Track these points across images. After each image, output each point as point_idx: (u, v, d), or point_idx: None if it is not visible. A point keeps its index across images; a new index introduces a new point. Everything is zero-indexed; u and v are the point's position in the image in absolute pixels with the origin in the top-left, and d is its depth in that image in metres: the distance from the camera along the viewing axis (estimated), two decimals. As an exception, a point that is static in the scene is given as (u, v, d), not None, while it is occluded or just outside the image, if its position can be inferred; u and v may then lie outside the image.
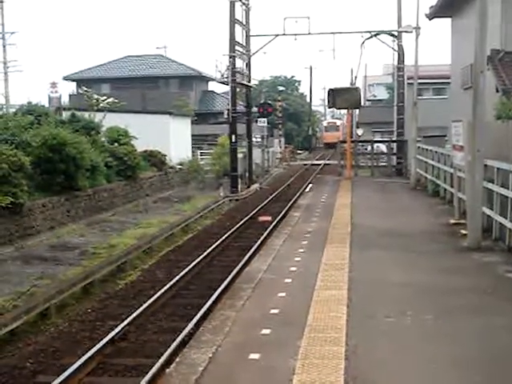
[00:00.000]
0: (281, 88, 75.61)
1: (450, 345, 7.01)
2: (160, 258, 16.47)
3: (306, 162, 51.46)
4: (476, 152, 11.99)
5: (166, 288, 12.41)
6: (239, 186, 30.70)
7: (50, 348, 9.71)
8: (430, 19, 26.70)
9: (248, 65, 33.25)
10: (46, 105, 40.04)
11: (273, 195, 28.17)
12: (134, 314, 10.64)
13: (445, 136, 24.59)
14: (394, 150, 32.35)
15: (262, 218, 21.61)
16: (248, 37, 32.61)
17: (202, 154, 41.93)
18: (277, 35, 31.13)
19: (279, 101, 56.63)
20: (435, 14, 25.95)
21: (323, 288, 9.25)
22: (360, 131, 50.23)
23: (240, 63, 31.93)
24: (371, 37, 30.68)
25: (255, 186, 32.87)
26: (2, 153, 18.22)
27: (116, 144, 27.90)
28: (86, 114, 28.26)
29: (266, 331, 7.46)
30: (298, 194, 26.08)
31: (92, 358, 8.85)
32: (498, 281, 9.78)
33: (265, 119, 41.24)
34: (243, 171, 33.04)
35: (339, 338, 7.11)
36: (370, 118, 54.27)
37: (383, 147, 36.51)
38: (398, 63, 32.00)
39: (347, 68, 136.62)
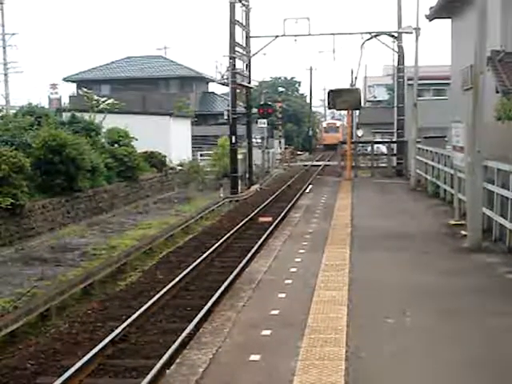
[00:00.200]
0: (281, 89, 75.73)
1: (451, 346, 7.01)
2: (160, 259, 16.46)
3: (306, 163, 51.48)
4: (476, 153, 11.99)
5: (166, 289, 12.40)
6: (239, 187, 30.69)
7: (51, 349, 9.71)
8: (429, 20, 26.74)
9: (248, 66, 33.26)
10: (46, 106, 40.16)
11: (273, 196, 28.16)
12: (135, 315, 10.64)
13: (445, 137, 24.58)
14: (394, 151, 32.36)
15: (262, 219, 21.61)
16: (248, 38, 32.62)
17: (202, 155, 41.95)
18: (277, 36, 31.13)
19: (279, 102, 56.68)
20: (435, 15, 25.98)
21: (323, 289, 9.25)
22: (360, 132, 50.21)
23: (240, 64, 31.96)
24: (371, 38, 30.70)
25: (255, 187, 32.86)
26: (3, 154, 18.23)
27: (116, 145, 27.92)
28: (86, 116, 28.28)
29: (267, 332, 7.46)
30: (298, 195, 26.07)
31: (92, 360, 8.85)
32: (499, 282, 9.78)
33: (265, 120, 41.23)
34: (243, 172, 33.04)
35: (340, 338, 7.11)
36: (370, 118, 54.28)
37: (383, 148, 36.53)
38: (398, 64, 32.01)
39: (347, 69, 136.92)
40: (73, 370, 8.31)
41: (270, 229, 18.49)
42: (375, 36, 30.86)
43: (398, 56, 31.74)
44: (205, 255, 15.52)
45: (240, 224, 20.32)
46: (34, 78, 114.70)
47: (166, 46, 69.57)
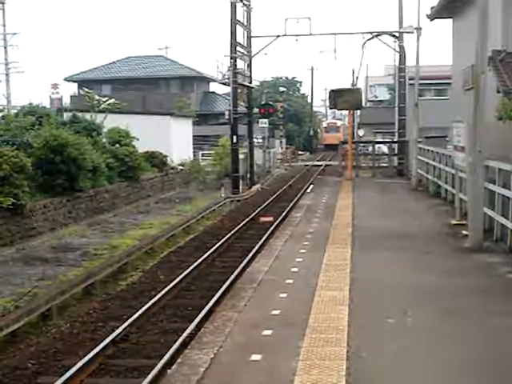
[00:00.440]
0: (282, 89, 75.69)
1: (452, 346, 7.01)
2: (161, 259, 16.46)
3: (307, 163, 51.48)
4: (477, 153, 11.99)
5: (167, 289, 12.40)
6: (240, 187, 30.70)
7: (52, 349, 9.71)
8: (431, 20, 26.71)
9: (249, 66, 33.28)
10: (48, 106, 40.17)
11: (274, 196, 28.15)
12: (136, 315, 10.64)
13: (446, 137, 24.59)
14: (396, 151, 32.35)
15: (263, 219, 21.62)
16: (249, 38, 32.62)
17: (203, 154, 41.97)
18: (278, 36, 31.13)
19: (280, 102, 56.67)
20: (436, 14, 25.95)
21: (325, 289, 9.25)
22: (361, 132, 50.23)
23: (241, 64, 31.98)
24: (372, 37, 30.70)
25: (256, 187, 32.87)
26: (4, 154, 18.25)
27: (117, 145, 27.92)
28: (88, 115, 28.30)
29: (268, 332, 7.46)
30: (299, 195, 26.06)
31: (93, 359, 8.85)
32: (500, 282, 9.77)
33: (266, 120, 41.23)
34: (244, 172, 33.05)
35: (341, 338, 7.11)
36: (372, 118, 54.30)
37: (384, 148, 36.55)
38: (400, 64, 32.01)
39: (348, 69, 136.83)
40: (74, 369, 8.31)
41: (271, 228, 18.49)
42: (376, 36, 30.86)
43: (400, 56, 31.75)
44: (206, 255, 15.52)
45: (241, 224, 20.32)
46: (35, 78, 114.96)
47: (167, 45, 69.55)
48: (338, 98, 28.44)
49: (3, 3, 42.69)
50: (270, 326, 7.67)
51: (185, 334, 9.41)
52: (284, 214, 21.19)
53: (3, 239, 17.18)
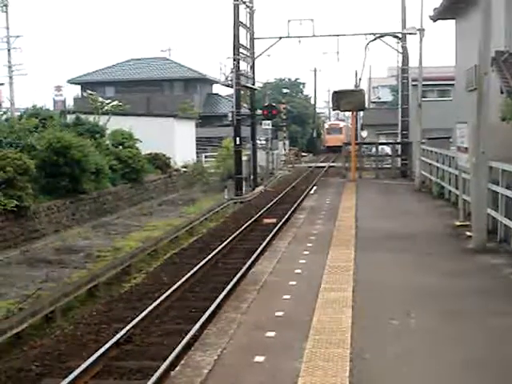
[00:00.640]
0: (285, 90, 75.68)
1: (454, 348, 7.00)
2: (165, 261, 16.48)
3: (310, 165, 51.47)
4: (480, 154, 11.98)
5: (170, 291, 12.41)
6: (244, 189, 30.68)
7: (56, 351, 9.73)
8: (433, 21, 26.68)
9: (252, 67, 33.28)
10: (51, 108, 40.20)
11: (277, 197, 28.15)
12: (139, 317, 10.65)
13: (449, 138, 24.57)
14: (399, 152, 32.34)
15: (266, 221, 21.62)
16: (252, 39, 32.64)
17: (206, 156, 42.00)
18: (281, 37, 31.17)
19: (283, 103, 56.65)
20: (439, 15, 25.92)
21: (328, 290, 9.25)
22: (364, 133, 50.22)
23: (244, 66, 31.97)
24: (375, 39, 30.72)
25: (260, 189, 32.87)
26: (8, 156, 18.30)
27: (120, 147, 27.96)
28: (91, 118, 28.32)
29: (271, 333, 7.46)
30: (302, 196, 26.06)
31: (97, 361, 8.86)
32: (504, 283, 9.76)
33: (269, 122, 41.27)
34: (248, 174, 33.04)
35: (344, 340, 7.11)
36: (375, 120, 54.23)
37: (388, 149, 36.51)
38: (403, 65, 32.01)
39: (351, 70, 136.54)
40: (78, 371, 8.32)
41: (275, 230, 18.49)
42: (379, 37, 30.88)
43: (403, 57, 31.74)
44: (209, 257, 15.53)
45: (244, 225, 20.32)
46: (38, 81, 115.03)
47: (170, 47, 69.96)
48: (341, 99, 28.44)
49: (6, 6, 42.75)
50: (273, 327, 7.67)
51: (188, 336, 9.42)
52: (287, 215, 21.18)
53: (7, 241, 17.21)
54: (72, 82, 57.54)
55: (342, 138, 61.93)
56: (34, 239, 18.43)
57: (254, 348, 7.01)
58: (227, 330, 7.65)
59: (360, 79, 36.20)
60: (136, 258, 15.83)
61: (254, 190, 32.20)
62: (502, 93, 17.12)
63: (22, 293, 13.06)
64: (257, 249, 16.05)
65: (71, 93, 64.03)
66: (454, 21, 26.34)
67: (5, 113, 30.22)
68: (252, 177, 33.52)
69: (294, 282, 9.88)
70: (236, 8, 30.13)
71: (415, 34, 25.49)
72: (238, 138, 30.27)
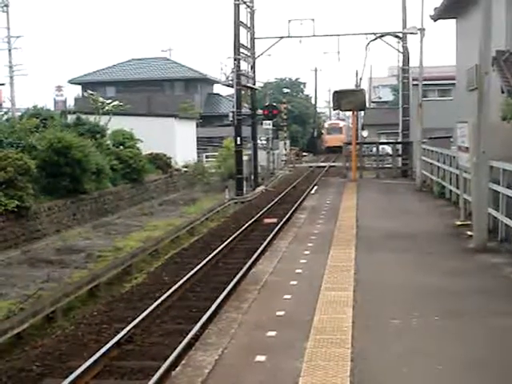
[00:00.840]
0: (286, 90, 75.63)
1: (456, 347, 7.00)
2: (166, 261, 16.49)
3: (311, 164, 51.48)
4: (481, 153, 11.97)
5: (171, 290, 12.42)
6: (244, 189, 30.71)
7: (57, 351, 9.74)
8: (434, 21, 26.67)
9: (253, 67, 33.30)
10: (52, 108, 40.23)
11: (278, 197, 28.16)
12: (140, 317, 10.66)
13: (450, 137, 24.55)
14: (400, 152, 32.33)
15: (267, 220, 21.62)
16: (253, 39, 32.66)
17: (207, 156, 42.01)
18: (281, 37, 31.18)
19: (284, 103, 56.63)
20: (440, 15, 25.91)
21: (329, 290, 9.24)
22: (365, 133, 50.18)
23: (245, 65, 32.00)
24: (376, 38, 30.72)
25: (260, 189, 32.88)
26: (8, 156, 18.31)
27: (121, 147, 27.98)
28: (92, 118, 28.35)
29: (272, 333, 7.46)
30: (303, 196, 26.06)
31: (98, 361, 8.87)
32: (505, 282, 9.75)
33: (270, 121, 41.28)
34: (248, 173, 33.05)
35: (345, 339, 7.11)
36: (376, 119, 54.20)
37: (388, 149, 36.47)
38: (403, 65, 31.98)
39: (352, 70, 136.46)
40: (79, 371, 8.33)
41: (276, 230, 18.50)
42: (380, 37, 30.87)
43: (403, 57, 31.71)
44: (210, 256, 15.54)
45: (245, 225, 20.34)
46: (39, 81, 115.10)
47: (170, 47, 70.04)
48: (341, 99, 28.44)
49: (7, 6, 42.73)
50: (274, 327, 7.66)
51: (189, 336, 9.43)
52: (288, 215, 21.18)
53: (8, 241, 17.22)
54: (73, 82, 57.58)
55: (343, 138, 60.72)
56: (35, 239, 18.44)
57: (254, 348, 7.01)
58: (228, 330, 7.65)
59: (361, 79, 36.30)
60: (137, 258, 15.84)
61: (254, 189, 32.21)
62: (502, 92, 17.11)
63: (22, 293, 13.07)
64: (257, 249, 16.06)
65: (72, 93, 64.25)
66: (454, 20, 26.33)
67: (6, 113, 30.27)
68: (253, 177, 33.53)
69: (294, 282, 9.88)
70: (236, 8, 30.15)
71: (416, 33, 25.45)
72: (238, 138, 30.29)
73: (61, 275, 14.72)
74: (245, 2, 31.46)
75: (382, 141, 43.28)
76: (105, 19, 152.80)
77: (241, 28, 30.64)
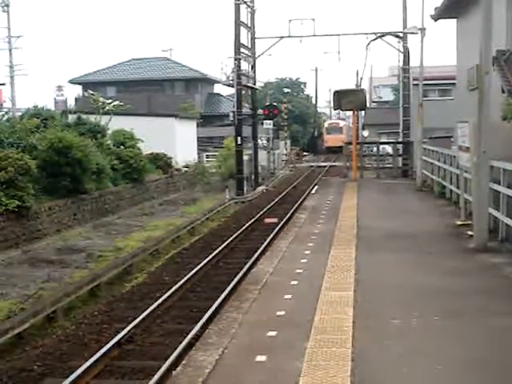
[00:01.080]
0: (286, 90, 75.64)
1: (456, 347, 7.00)
2: (166, 261, 16.50)
3: (311, 164, 51.50)
4: (482, 153, 11.97)
5: (172, 290, 12.43)
6: (245, 188, 30.72)
7: (58, 351, 9.74)
8: (435, 20, 26.69)
9: (253, 67, 33.32)
10: (52, 108, 40.21)
11: (279, 197, 28.16)
12: (141, 317, 10.66)
13: (451, 137, 24.55)
14: (400, 152, 32.33)
15: (267, 220, 21.62)
16: (253, 39, 32.68)
17: (207, 156, 42.02)
18: (282, 37, 31.19)
19: (285, 103, 56.63)
20: (440, 15, 25.93)
21: (329, 290, 9.24)
22: (366, 133, 50.19)
23: (245, 65, 32.03)
24: (376, 38, 30.73)
25: (261, 188, 32.88)
26: (9, 156, 18.32)
27: (122, 147, 27.99)
28: (92, 117, 28.36)
29: (273, 333, 7.46)
30: (303, 196, 26.06)
31: (99, 361, 8.87)
32: (505, 282, 9.76)
33: (270, 121, 41.29)
34: (249, 173, 33.07)
35: (345, 339, 7.11)
36: (376, 119, 54.20)
37: (389, 149, 36.47)
38: (404, 64, 31.99)
39: (353, 70, 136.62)
40: (79, 371, 8.33)
41: (276, 230, 18.50)
42: (380, 36, 30.89)
43: (404, 56, 31.72)
44: (211, 256, 15.54)
45: (246, 225, 20.34)
46: (39, 81, 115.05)
47: (171, 47, 69.98)
48: (342, 98, 28.46)
49: (7, 6, 42.73)
50: (274, 327, 7.67)
51: (190, 336, 9.43)
52: (288, 215, 21.19)
53: (9, 241, 17.24)
54: (73, 81, 57.57)
55: (343, 137, 59.79)
56: (36, 239, 18.45)
57: (255, 348, 7.01)
58: (229, 330, 7.65)
59: (361, 79, 36.41)
60: (137, 258, 15.85)
61: (255, 189, 32.21)
62: (503, 92, 17.13)
63: (23, 292, 13.08)
64: (258, 248, 16.07)
65: (72, 93, 64.25)
66: (455, 20, 26.36)
67: (6, 113, 30.26)
68: (253, 176, 33.54)
69: (295, 282, 9.88)
70: (237, 8, 30.17)
71: (416, 33, 25.44)
72: (239, 138, 30.31)
73: (61, 275, 14.73)
74: (245, 2, 31.47)
75: (382, 140, 43.25)
76: (105, 19, 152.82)
77: (241, 28, 30.66)
